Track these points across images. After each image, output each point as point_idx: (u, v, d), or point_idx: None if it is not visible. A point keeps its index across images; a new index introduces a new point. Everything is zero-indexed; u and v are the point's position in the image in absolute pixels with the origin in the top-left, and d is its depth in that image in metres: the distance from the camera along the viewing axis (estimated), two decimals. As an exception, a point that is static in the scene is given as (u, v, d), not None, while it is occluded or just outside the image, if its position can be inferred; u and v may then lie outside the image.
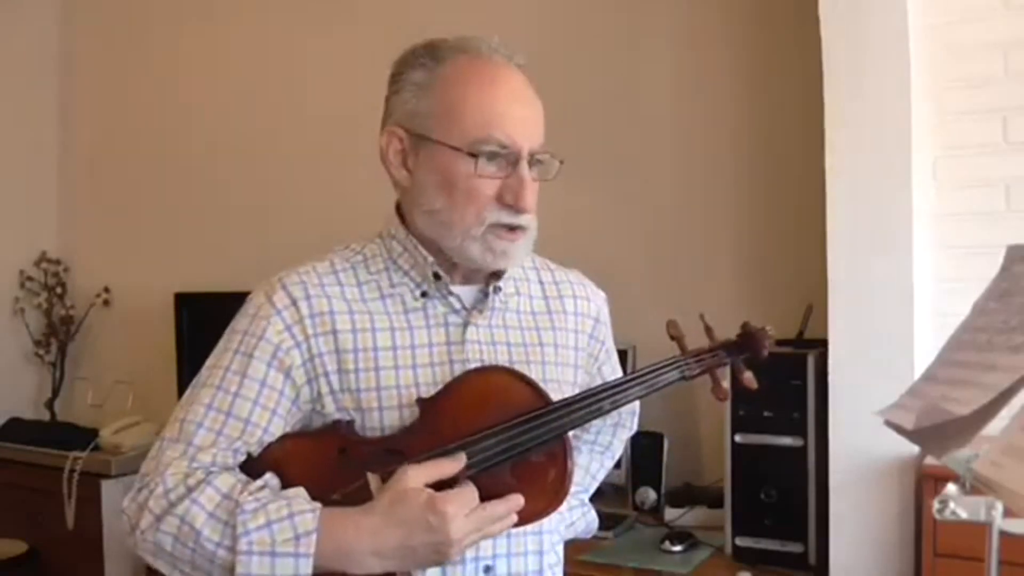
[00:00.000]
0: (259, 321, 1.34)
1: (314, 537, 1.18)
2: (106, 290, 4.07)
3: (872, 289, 2.10)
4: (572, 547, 2.24)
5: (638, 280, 2.91)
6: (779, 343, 2.41)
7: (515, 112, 1.34)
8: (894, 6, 2.10)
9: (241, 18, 3.76)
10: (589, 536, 1.71)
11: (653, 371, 1.37)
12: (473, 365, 1.35)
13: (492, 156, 1.31)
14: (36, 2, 4.14)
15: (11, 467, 3.65)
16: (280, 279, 1.37)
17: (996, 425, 1.04)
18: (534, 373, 1.37)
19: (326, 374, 1.33)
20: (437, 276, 1.37)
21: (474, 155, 1.31)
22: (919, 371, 1.27)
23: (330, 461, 1.28)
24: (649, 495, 2.65)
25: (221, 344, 1.37)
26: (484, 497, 1.22)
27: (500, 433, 1.26)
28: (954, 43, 2.20)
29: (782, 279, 2.69)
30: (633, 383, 1.35)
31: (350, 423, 1.32)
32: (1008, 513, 1.12)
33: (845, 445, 2.12)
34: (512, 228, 1.34)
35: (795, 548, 2.22)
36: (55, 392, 4.06)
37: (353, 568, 1.20)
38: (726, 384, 1.42)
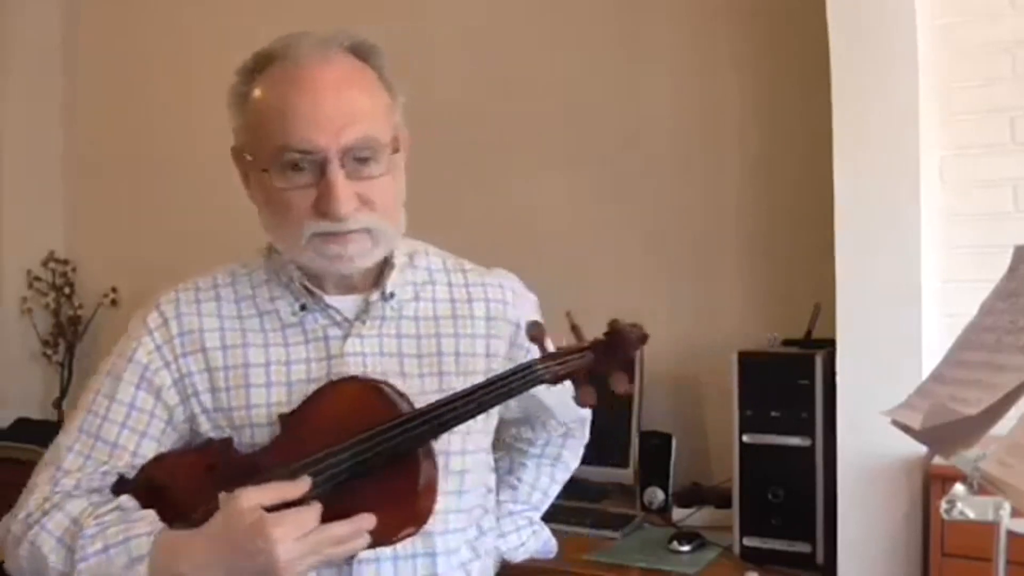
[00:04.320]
0: (130, 342, 1.34)
1: (146, 563, 1.16)
2: (114, 290, 4.07)
3: (880, 289, 2.10)
4: (579, 547, 2.26)
5: (644, 281, 2.90)
6: (787, 343, 2.42)
7: (309, 112, 1.22)
8: (902, 6, 2.10)
9: (247, 17, 3.76)
10: (550, 556, 1.65)
11: (509, 376, 1.25)
12: None
13: (295, 166, 1.23)
14: (40, 1, 4.15)
15: (19, 467, 3.62)
16: (158, 297, 1.36)
17: (1004, 425, 1.04)
18: (429, 385, 1.33)
19: (196, 394, 1.31)
20: (309, 291, 1.33)
21: (266, 170, 1.25)
22: (927, 371, 1.27)
23: (199, 479, 1.26)
24: (657, 495, 2.65)
25: (101, 365, 1.37)
26: (338, 516, 1.17)
27: (347, 449, 1.21)
28: (962, 43, 2.20)
29: (790, 279, 2.69)
30: (485, 390, 1.25)
31: (226, 441, 1.29)
32: (1016, 513, 1.12)
33: (853, 445, 2.11)
34: (339, 233, 1.25)
35: (803, 548, 2.22)
36: (63, 392, 4.06)
37: None
38: (592, 387, 1.27)
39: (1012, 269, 1.21)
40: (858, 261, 2.12)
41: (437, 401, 1.24)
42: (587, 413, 1.59)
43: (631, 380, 1.28)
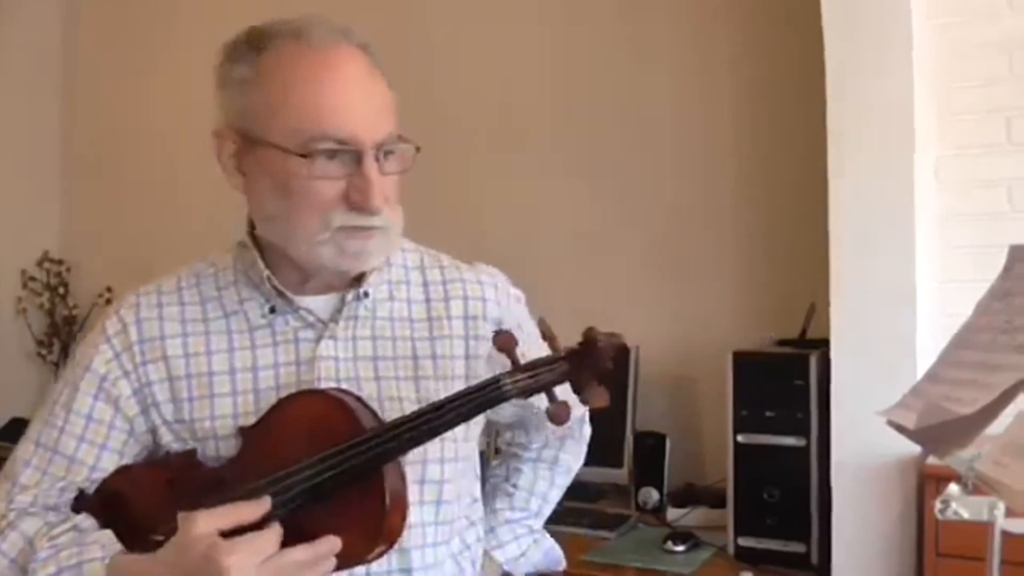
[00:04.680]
0: (89, 350, 1.28)
1: None
2: (108, 290, 4.06)
3: (875, 289, 2.10)
4: (574, 547, 2.26)
5: (640, 281, 2.91)
6: (782, 343, 2.42)
7: (350, 103, 1.18)
8: (898, 6, 2.10)
9: (247, 17, 3.76)
10: (560, 568, 1.57)
11: (473, 392, 1.14)
12: (325, 384, 1.23)
13: (331, 154, 1.17)
14: (39, 1, 4.15)
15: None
16: (120, 301, 1.31)
17: (999, 424, 1.04)
18: (405, 389, 1.26)
19: (157, 404, 1.25)
20: (280, 292, 1.26)
21: (306, 155, 1.17)
22: (921, 371, 1.27)
23: (159, 495, 1.19)
24: (651, 495, 2.65)
25: (63, 372, 1.32)
26: (303, 538, 1.10)
27: (308, 468, 1.13)
28: (959, 44, 2.20)
29: (785, 279, 2.69)
30: (453, 406, 1.14)
31: (188, 453, 1.23)
32: (1010, 513, 1.12)
33: (847, 445, 2.12)
34: (364, 228, 1.20)
35: (797, 548, 2.22)
36: (58, 392, 4.06)
37: None
38: (568, 400, 1.15)
39: (1007, 268, 1.21)
40: (854, 261, 2.12)
41: (402, 418, 1.15)
42: (584, 410, 1.49)
43: (609, 392, 1.14)
